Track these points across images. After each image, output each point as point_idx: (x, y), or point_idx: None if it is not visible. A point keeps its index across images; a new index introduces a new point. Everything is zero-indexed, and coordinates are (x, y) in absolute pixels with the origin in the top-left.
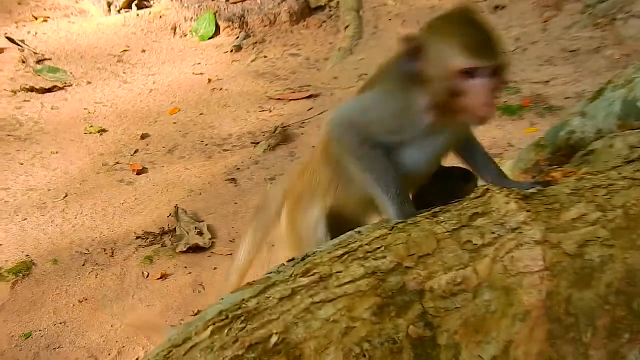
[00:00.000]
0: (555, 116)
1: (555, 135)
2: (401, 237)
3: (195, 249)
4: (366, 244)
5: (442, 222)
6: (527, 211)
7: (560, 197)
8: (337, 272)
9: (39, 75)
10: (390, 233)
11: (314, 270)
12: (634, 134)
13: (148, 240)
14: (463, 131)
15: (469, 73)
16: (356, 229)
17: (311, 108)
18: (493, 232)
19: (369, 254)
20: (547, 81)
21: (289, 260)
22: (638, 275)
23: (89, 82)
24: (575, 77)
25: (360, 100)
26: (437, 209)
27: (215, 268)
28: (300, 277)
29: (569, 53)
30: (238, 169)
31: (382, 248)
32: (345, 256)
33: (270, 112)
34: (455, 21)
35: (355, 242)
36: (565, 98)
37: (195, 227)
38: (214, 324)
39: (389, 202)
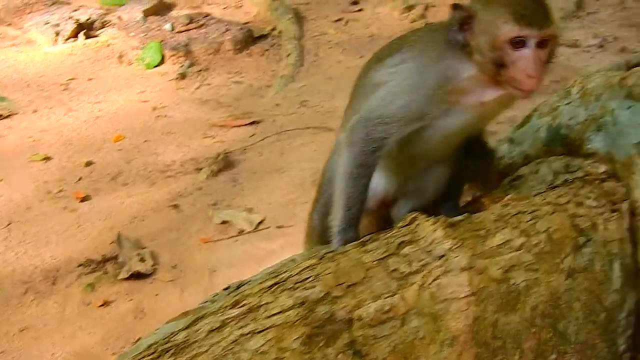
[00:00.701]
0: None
1: None
2: (330, 266)
3: (137, 275)
4: (296, 274)
5: (370, 251)
6: (454, 238)
7: (486, 223)
8: (267, 303)
9: None
10: (319, 263)
11: (244, 302)
12: (559, 160)
13: (90, 267)
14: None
15: (518, 42)
16: (291, 257)
17: (254, 134)
18: (420, 260)
19: (298, 284)
20: None
21: (225, 289)
22: (562, 298)
23: (34, 111)
24: None
25: (390, 88)
26: (366, 238)
27: (157, 295)
28: (230, 308)
29: None
30: (181, 195)
31: (312, 278)
32: (275, 287)
33: (213, 138)
34: None
35: (285, 272)
36: (498, 123)
37: (138, 254)
38: (142, 358)
39: (338, 220)
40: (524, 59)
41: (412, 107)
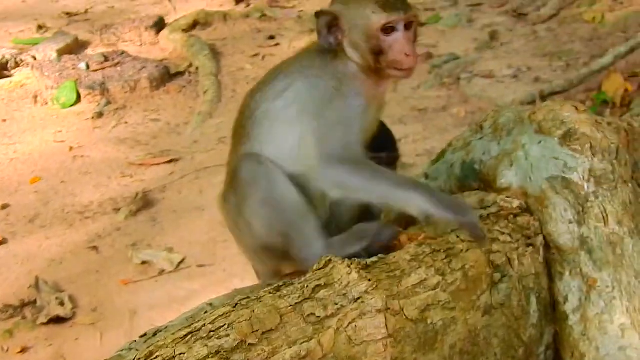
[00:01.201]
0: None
1: None
2: (244, 313)
3: (57, 320)
4: (210, 323)
5: (285, 296)
6: (369, 280)
7: (401, 263)
8: (181, 353)
9: None
10: (233, 310)
11: (157, 354)
12: (473, 195)
13: (8, 313)
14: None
15: (388, 28)
16: (209, 301)
17: (172, 172)
18: (336, 304)
19: (212, 333)
20: (399, 139)
21: (142, 336)
22: (480, 335)
23: None
24: (424, 134)
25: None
26: (280, 283)
27: (77, 339)
28: None
29: (418, 112)
30: (100, 236)
31: (226, 326)
32: (189, 337)
33: (131, 177)
34: None
35: (200, 320)
36: (417, 155)
37: (57, 298)
38: None
39: (423, 197)
40: (398, 41)
41: (346, 113)
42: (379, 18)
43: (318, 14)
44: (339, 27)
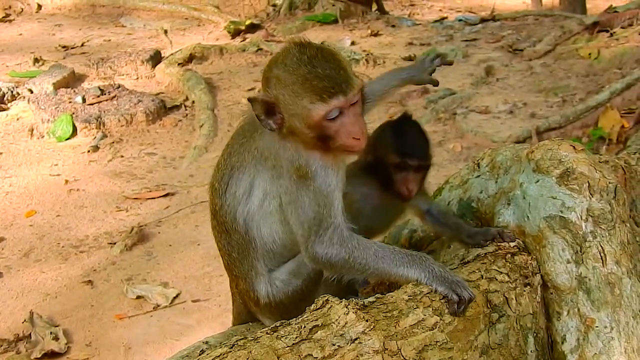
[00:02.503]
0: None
1: (399, 233)
2: (241, 355)
3: (51, 354)
4: None
5: (282, 336)
6: (366, 321)
7: (399, 303)
8: None
9: None
10: (230, 351)
11: None
12: None
13: (2, 347)
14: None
15: (331, 115)
16: (205, 339)
17: (168, 206)
18: (333, 344)
19: None
20: None
21: None
22: None
23: None
24: None
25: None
26: (277, 324)
27: None
28: None
29: None
30: (95, 270)
31: None
32: None
33: (127, 211)
34: (295, 64)
35: None
36: None
37: (51, 332)
38: None
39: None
40: (344, 125)
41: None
42: (318, 109)
43: (251, 101)
44: (278, 112)
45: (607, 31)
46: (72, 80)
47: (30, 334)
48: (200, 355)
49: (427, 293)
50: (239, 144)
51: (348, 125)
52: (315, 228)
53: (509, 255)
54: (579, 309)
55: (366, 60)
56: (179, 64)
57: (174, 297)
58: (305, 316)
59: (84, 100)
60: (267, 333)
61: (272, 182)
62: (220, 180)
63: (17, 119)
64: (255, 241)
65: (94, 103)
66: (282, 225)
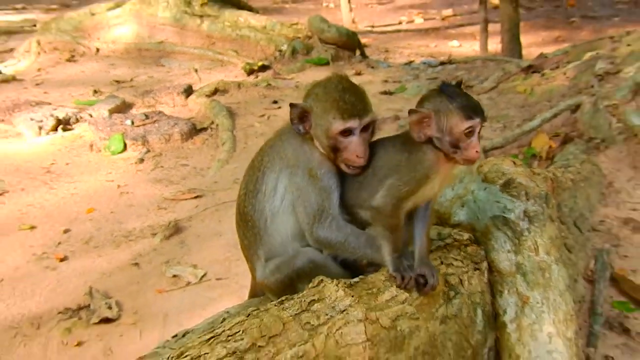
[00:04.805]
0: None
1: None
2: (255, 322)
3: (106, 320)
4: (228, 329)
5: (287, 308)
6: (352, 296)
7: (377, 283)
8: (205, 353)
9: None
10: (247, 319)
11: (187, 353)
12: (433, 229)
13: (67, 315)
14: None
15: (346, 132)
16: (226, 309)
17: (197, 206)
18: (327, 314)
19: (230, 337)
20: None
21: (174, 336)
22: (438, 339)
23: (22, 189)
24: None
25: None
26: (283, 298)
27: (121, 336)
28: (176, 359)
29: None
30: (140, 255)
31: (240, 332)
32: (212, 340)
33: (165, 210)
34: (331, 89)
35: (220, 327)
36: None
37: (106, 303)
38: None
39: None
40: (352, 143)
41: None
42: (337, 124)
43: (292, 105)
44: (308, 119)
45: (539, 72)
46: (123, 108)
47: (89, 305)
48: (222, 322)
49: None
50: (269, 146)
51: (355, 144)
52: (318, 216)
53: (463, 246)
54: (517, 289)
55: None
56: (206, 96)
57: (202, 276)
58: (304, 292)
59: (132, 123)
60: (275, 305)
61: (290, 179)
62: (255, 182)
63: (80, 137)
64: (261, 232)
65: (140, 125)
66: (290, 216)
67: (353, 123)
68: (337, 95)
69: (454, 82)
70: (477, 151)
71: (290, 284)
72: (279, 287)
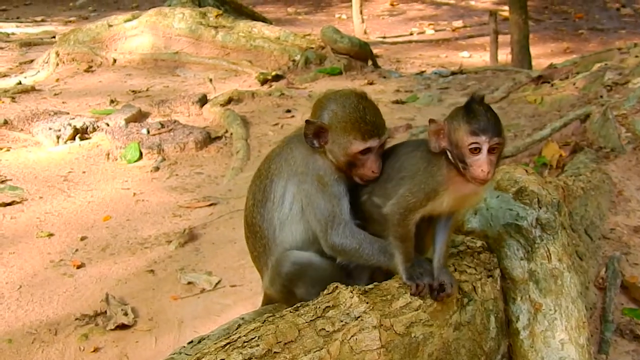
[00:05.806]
0: None
1: None
2: (271, 328)
3: (122, 326)
4: (243, 336)
5: (302, 314)
6: (367, 303)
7: (392, 290)
8: (221, 359)
9: (2, 192)
10: (262, 325)
11: (203, 359)
12: None
13: (84, 321)
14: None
15: (365, 151)
16: (241, 316)
17: (212, 213)
18: (341, 321)
19: (245, 343)
20: None
21: (189, 342)
22: (452, 346)
23: (41, 197)
24: None
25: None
26: (298, 305)
27: (137, 342)
28: None
29: None
30: (155, 262)
31: (256, 338)
32: (227, 346)
33: (180, 217)
34: (352, 109)
35: (236, 333)
36: None
37: (122, 309)
38: None
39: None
40: (369, 160)
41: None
42: (358, 145)
43: (308, 122)
44: (325, 136)
45: (549, 82)
46: (139, 117)
47: (105, 311)
48: (237, 328)
49: None
50: (276, 154)
51: (372, 161)
52: (330, 222)
53: (476, 253)
54: (529, 296)
55: None
56: (220, 105)
57: (216, 283)
58: (320, 299)
59: (148, 132)
60: (290, 311)
61: (298, 186)
62: (263, 191)
63: (97, 146)
64: (269, 242)
65: (156, 134)
66: (299, 224)
67: (373, 142)
68: (357, 115)
69: (481, 96)
70: (482, 170)
71: (287, 291)
72: (282, 297)
